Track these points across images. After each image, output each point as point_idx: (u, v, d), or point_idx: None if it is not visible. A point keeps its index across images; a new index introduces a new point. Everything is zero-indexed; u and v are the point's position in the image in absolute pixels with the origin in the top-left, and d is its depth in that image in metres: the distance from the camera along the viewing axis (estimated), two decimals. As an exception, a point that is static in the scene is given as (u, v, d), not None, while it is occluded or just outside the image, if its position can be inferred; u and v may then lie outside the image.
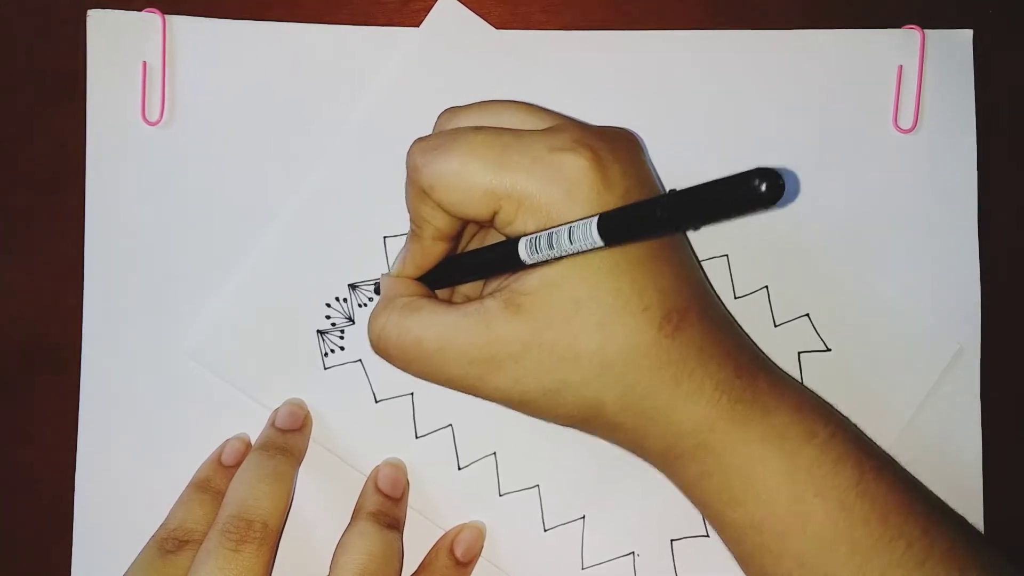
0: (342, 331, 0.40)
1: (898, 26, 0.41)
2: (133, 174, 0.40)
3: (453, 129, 0.33)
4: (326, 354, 0.40)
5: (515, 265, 0.32)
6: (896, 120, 0.41)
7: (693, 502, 0.35)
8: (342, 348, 0.40)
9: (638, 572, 0.40)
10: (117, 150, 0.40)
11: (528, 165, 0.31)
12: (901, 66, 0.41)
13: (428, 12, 0.40)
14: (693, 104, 0.41)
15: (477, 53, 0.40)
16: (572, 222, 0.30)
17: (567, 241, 0.30)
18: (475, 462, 0.40)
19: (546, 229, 0.30)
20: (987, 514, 0.40)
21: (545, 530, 0.40)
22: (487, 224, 0.33)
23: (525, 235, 0.31)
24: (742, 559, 0.34)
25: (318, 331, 0.40)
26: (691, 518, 0.40)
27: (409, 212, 0.34)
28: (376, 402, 0.40)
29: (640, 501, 0.40)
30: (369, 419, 0.40)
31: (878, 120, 0.41)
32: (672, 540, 0.40)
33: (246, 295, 0.40)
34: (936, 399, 0.40)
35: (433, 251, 0.35)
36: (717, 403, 0.32)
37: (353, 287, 0.40)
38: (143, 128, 0.40)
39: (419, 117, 0.37)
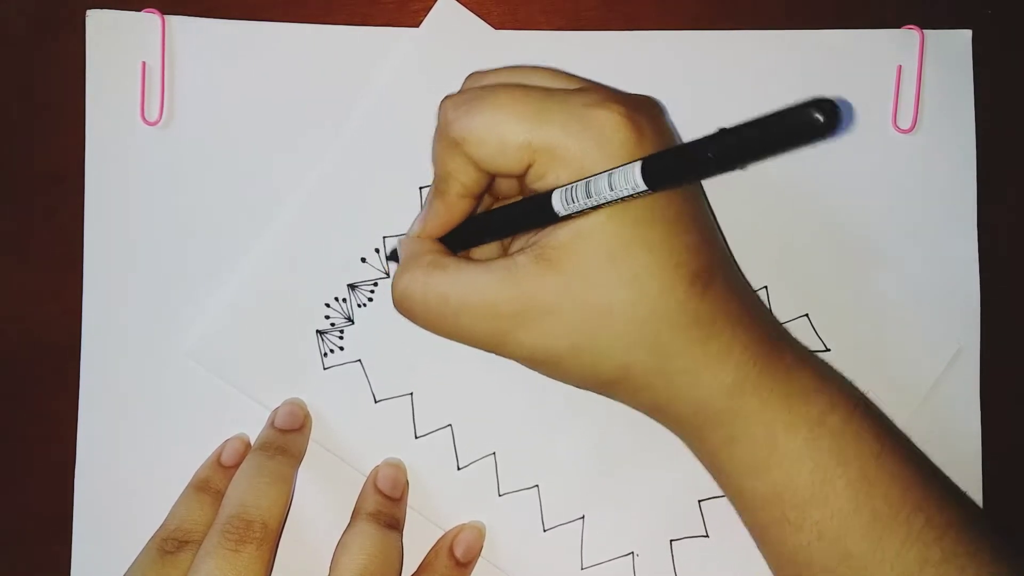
0: (341, 331, 0.40)
1: (897, 26, 0.41)
2: (132, 174, 0.40)
3: (485, 85, 0.33)
4: (325, 354, 0.40)
5: (545, 219, 0.31)
6: (895, 120, 0.41)
7: (711, 471, 0.35)
8: (341, 348, 0.40)
9: (637, 572, 0.40)
10: (116, 150, 0.40)
11: (563, 119, 0.31)
12: (900, 66, 0.41)
13: (427, 12, 0.40)
14: (692, 104, 0.40)
15: (476, 53, 0.40)
16: (611, 169, 0.30)
17: (607, 188, 0.29)
18: (474, 462, 0.40)
19: (581, 179, 0.30)
20: (987, 514, 0.40)
21: (545, 530, 0.40)
22: (517, 178, 0.33)
23: (559, 187, 0.31)
24: (758, 532, 0.34)
25: (317, 331, 0.40)
26: (691, 518, 0.40)
27: (435, 168, 0.34)
28: (376, 402, 0.40)
29: (640, 501, 0.40)
30: (368, 419, 0.40)
31: (877, 120, 0.41)
32: (672, 540, 0.40)
33: (246, 295, 0.40)
34: (936, 399, 0.40)
35: (457, 209, 0.34)
36: (744, 365, 0.32)
37: (352, 287, 0.40)
38: (142, 128, 0.40)
39: (418, 118, 0.37)
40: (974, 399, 0.40)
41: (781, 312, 0.40)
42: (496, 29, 0.40)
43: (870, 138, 0.41)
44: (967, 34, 0.41)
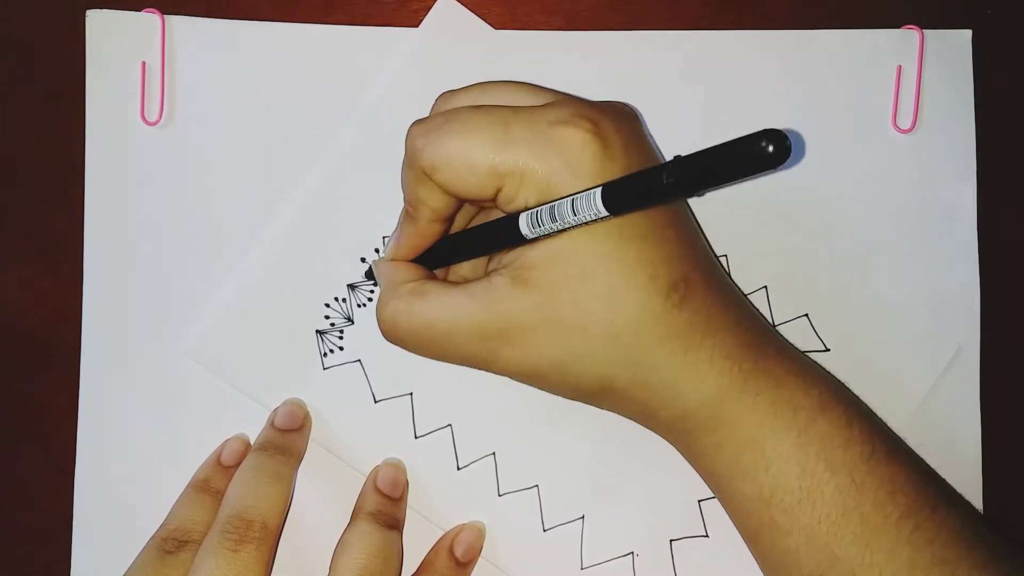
0: (341, 331, 0.40)
1: (897, 26, 0.41)
2: (132, 174, 0.40)
3: (451, 109, 0.33)
4: (325, 354, 0.40)
5: (515, 241, 0.32)
6: (895, 120, 0.41)
7: (702, 475, 0.35)
8: (341, 348, 0.40)
9: (637, 572, 0.40)
10: (116, 150, 0.40)
11: (530, 140, 0.31)
12: (900, 66, 0.41)
13: (427, 12, 0.40)
14: (692, 104, 0.41)
15: (476, 53, 0.40)
16: (575, 194, 0.30)
17: (570, 213, 0.29)
18: (474, 462, 0.40)
19: (547, 202, 0.30)
20: (987, 514, 0.40)
21: (544, 530, 0.40)
22: (488, 204, 0.33)
23: (527, 210, 0.31)
24: (749, 535, 0.34)
25: (317, 331, 0.40)
26: (691, 518, 0.40)
27: (405, 195, 0.34)
28: (375, 402, 0.40)
29: (640, 501, 0.40)
30: (368, 419, 0.40)
31: (877, 120, 0.41)
32: (672, 540, 0.40)
33: (246, 295, 0.40)
34: (936, 399, 0.40)
35: (428, 233, 0.35)
36: (728, 372, 0.32)
37: (352, 287, 0.40)
38: (142, 128, 0.40)
39: (418, 117, 0.36)
40: (974, 399, 0.40)
41: (781, 312, 0.40)
42: (496, 29, 0.41)
43: (870, 138, 0.41)
44: (967, 34, 0.41)
